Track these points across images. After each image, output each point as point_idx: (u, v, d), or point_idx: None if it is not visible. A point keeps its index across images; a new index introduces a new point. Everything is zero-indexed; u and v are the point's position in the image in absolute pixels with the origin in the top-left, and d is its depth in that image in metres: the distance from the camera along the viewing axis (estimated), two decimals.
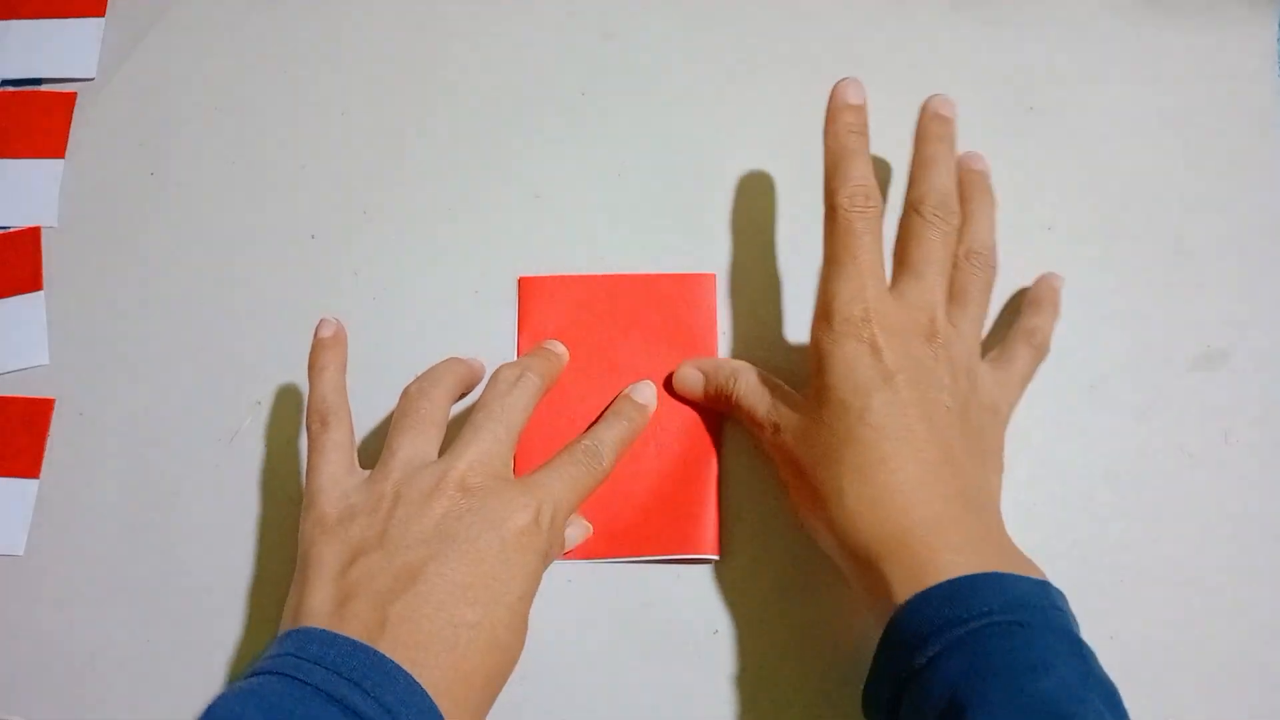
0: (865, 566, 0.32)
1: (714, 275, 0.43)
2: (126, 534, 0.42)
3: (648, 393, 0.40)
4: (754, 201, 0.44)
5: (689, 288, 0.43)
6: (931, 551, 0.31)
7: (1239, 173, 0.43)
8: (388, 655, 0.29)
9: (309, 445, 0.36)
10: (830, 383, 0.34)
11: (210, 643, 0.40)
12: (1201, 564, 0.39)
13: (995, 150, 0.44)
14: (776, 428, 0.37)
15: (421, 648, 0.30)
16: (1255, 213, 0.43)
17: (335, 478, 0.35)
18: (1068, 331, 0.41)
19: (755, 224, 0.44)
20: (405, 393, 0.37)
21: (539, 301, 0.43)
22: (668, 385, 0.41)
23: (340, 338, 0.39)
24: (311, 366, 0.38)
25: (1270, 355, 0.41)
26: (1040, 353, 0.39)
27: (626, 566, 0.40)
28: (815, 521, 0.36)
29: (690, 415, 0.41)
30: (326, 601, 0.31)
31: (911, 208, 0.37)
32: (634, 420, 0.40)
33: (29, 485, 0.42)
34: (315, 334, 0.39)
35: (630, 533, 0.39)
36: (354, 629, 0.30)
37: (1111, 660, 0.38)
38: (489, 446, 0.35)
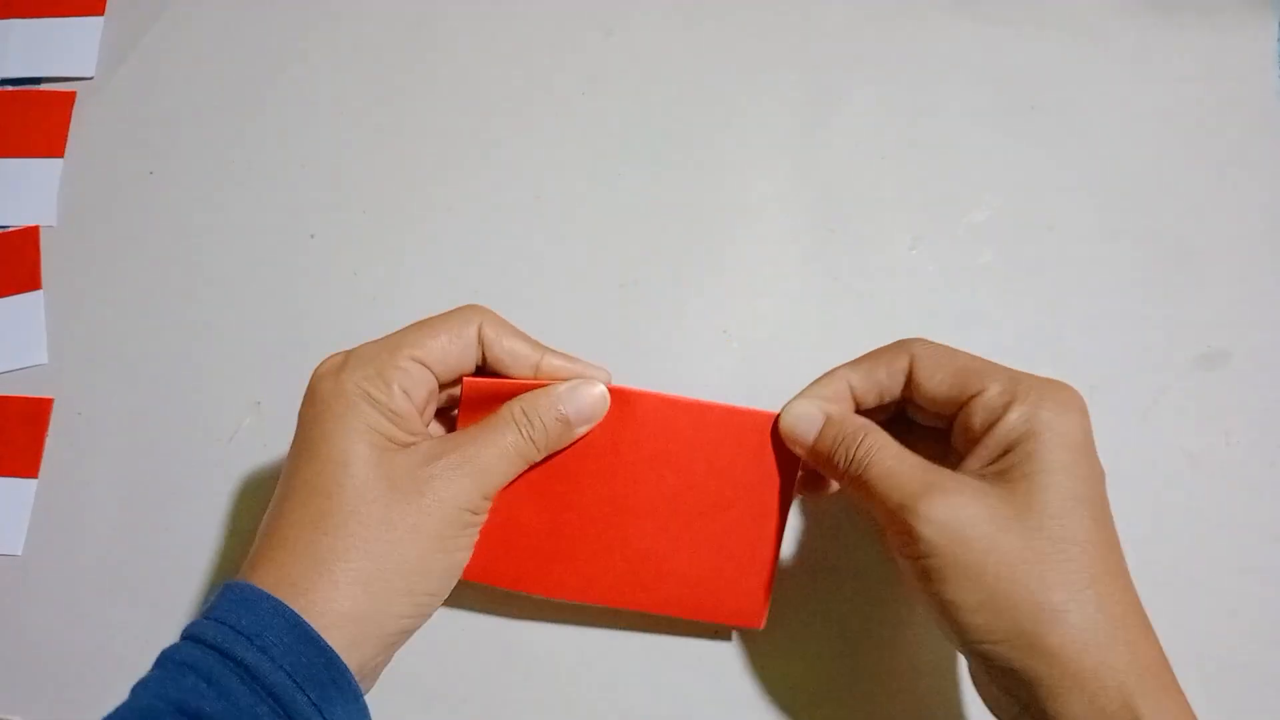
0: (1099, 697, 0.27)
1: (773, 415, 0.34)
2: (125, 534, 0.41)
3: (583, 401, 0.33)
4: (755, 201, 0.44)
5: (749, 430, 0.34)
6: (1177, 691, 0.28)
7: (1239, 173, 0.43)
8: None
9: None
10: (1053, 465, 0.28)
11: None
12: (1201, 564, 0.39)
13: (995, 150, 0.44)
14: (928, 521, 0.28)
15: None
16: (1255, 213, 0.43)
17: None
18: (1068, 331, 0.41)
19: (756, 222, 0.44)
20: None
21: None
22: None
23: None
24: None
25: (1270, 355, 0.41)
26: None
27: None
28: (994, 636, 0.28)
29: (768, 467, 0.34)
30: None
31: None
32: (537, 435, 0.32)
33: (27, 485, 0.42)
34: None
35: (671, 589, 0.35)
36: None
37: None
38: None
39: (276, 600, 0.28)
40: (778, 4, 0.47)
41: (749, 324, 0.43)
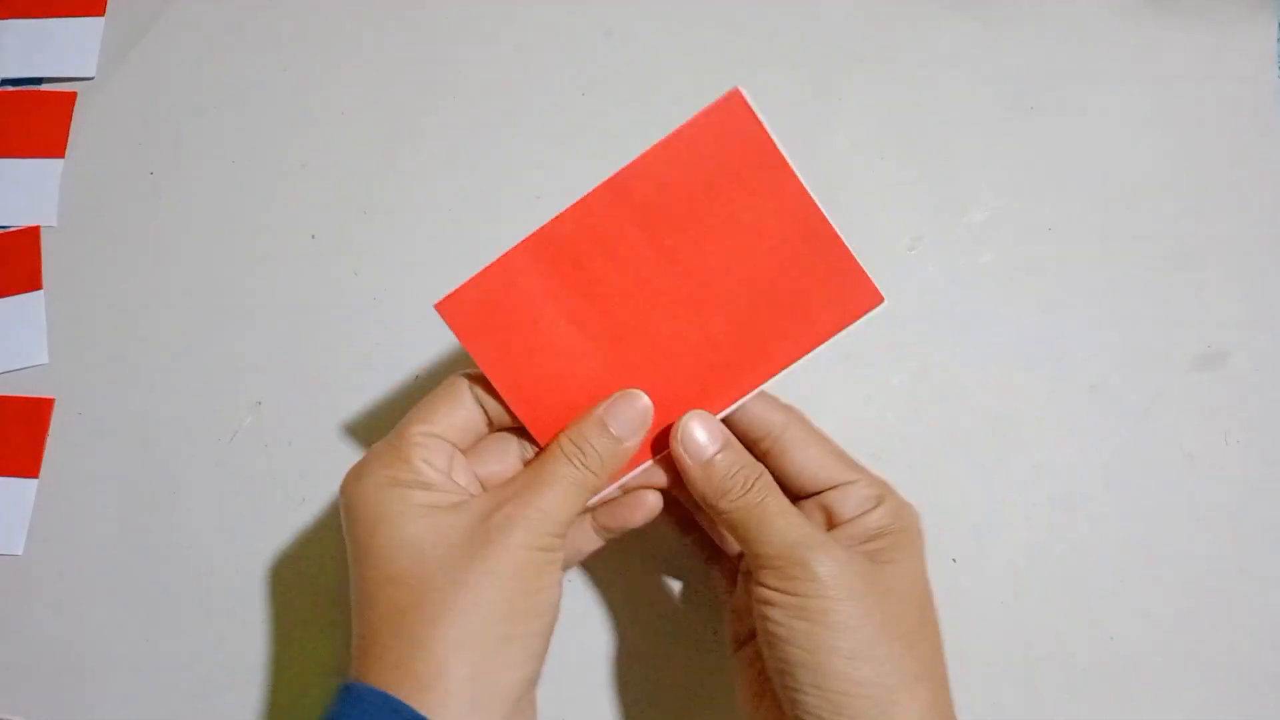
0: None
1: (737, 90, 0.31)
2: (126, 534, 0.42)
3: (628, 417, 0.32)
4: None
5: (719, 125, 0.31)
6: None
7: (1239, 173, 0.43)
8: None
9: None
10: (916, 561, 0.32)
11: (210, 642, 0.40)
12: (1201, 564, 0.39)
13: (995, 150, 0.44)
14: (825, 563, 0.30)
15: None
16: (1255, 213, 0.43)
17: None
18: (1068, 331, 0.41)
19: None
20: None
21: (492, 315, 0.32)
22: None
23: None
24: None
25: (1270, 355, 0.41)
26: None
27: (626, 566, 0.39)
28: (856, 688, 0.29)
29: (753, 168, 0.31)
30: None
31: None
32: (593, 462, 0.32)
33: (28, 485, 0.42)
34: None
35: (771, 335, 0.32)
36: None
37: (1112, 660, 0.38)
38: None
39: (389, 697, 0.28)
40: (777, 4, 0.47)
41: None
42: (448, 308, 0.32)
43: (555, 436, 0.32)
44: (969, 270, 0.43)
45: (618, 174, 0.31)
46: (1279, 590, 0.38)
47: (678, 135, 0.31)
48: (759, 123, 0.31)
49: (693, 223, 0.32)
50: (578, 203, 0.32)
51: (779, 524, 0.31)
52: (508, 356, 0.32)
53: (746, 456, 0.32)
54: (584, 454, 0.32)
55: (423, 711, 0.28)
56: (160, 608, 0.41)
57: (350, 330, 0.43)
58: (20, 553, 0.42)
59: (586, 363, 0.33)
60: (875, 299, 0.32)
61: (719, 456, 0.32)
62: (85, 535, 0.42)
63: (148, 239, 0.46)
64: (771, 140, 0.31)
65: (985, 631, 0.38)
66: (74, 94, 0.48)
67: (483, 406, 0.33)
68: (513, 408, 0.33)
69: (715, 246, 0.32)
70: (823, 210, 0.31)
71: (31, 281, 0.45)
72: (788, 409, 0.34)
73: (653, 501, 0.35)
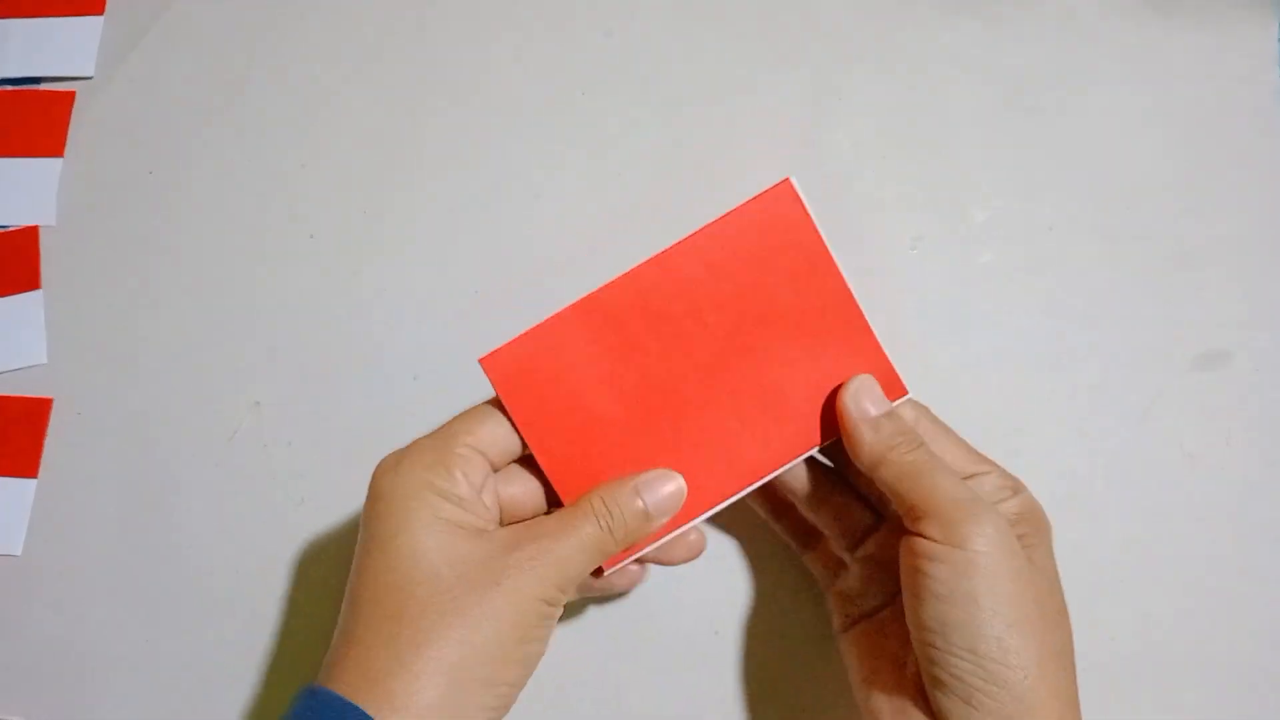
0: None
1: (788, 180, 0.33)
2: (125, 534, 0.41)
3: (666, 492, 0.33)
4: None
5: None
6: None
7: (1239, 173, 0.43)
8: None
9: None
10: (1049, 557, 0.32)
11: (209, 642, 0.40)
12: (1201, 564, 0.39)
13: (995, 150, 0.44)
14: (992, 523, 0.30)
15: None
16: (1255, 213, 0.43)
17: None
18: (1068, 331, 0.41)
19: None
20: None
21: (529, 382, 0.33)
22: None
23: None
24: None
25: (1270, 355, 0.41)
26: None
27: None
28: (1005, 658, 0.29)
29: (796, 256, 0.33)
30: None
31: None
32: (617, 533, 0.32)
33: (27, 485, 0.42)
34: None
35: (791, 422, 0.33)
36: None
37: (1111, 660, 0.38)
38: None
39: (355, 708, 0.28)
40: (777, 4, 0.47)
41: None
42: (492, 364, 0.33)
43: (583, 493, 0.33)
44: (969, 270, 0.43)
45: (668, 250, 0.33)
46: (1279, 590, 0.38)
47: (728, 219, 0.33)
48: (806, 213, 0.33)
49: (735, 302, 0.33)
50: (627, 274, 0.33)
51: (949, 480, 0.31)
52: (544, 416, 0.33)
53: (906, 425, 0.33)
54: (611, 517, 0.32)
55: None
56: (160, 608, 0.40)
57: (350, 330, 0.43)
58: (19, 553, 0.42)
59: (619, 429, 0.33)
60: (899, 392, 0.34)
61: (887, 417, 0.32)
62: (84, 535, 0.42)
63: (147, 239, 0.46)
64: (817, 231, 0.33)
65: None
66: (73, 93, 0.48)
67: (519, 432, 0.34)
68: (543, 465, 0.33)
69: (755, 328, 0.33)
70: (858, 303, 0.33)
71: (30, 281, 0.45)
72: (916, 404, 0.34)
73: (694, 539, 0.35)
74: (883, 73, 0.45)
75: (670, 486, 0.33)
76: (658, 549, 0.34)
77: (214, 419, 0.43)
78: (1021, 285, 0.42)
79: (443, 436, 0.32)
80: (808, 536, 0.38)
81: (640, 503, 0.32)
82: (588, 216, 0.44)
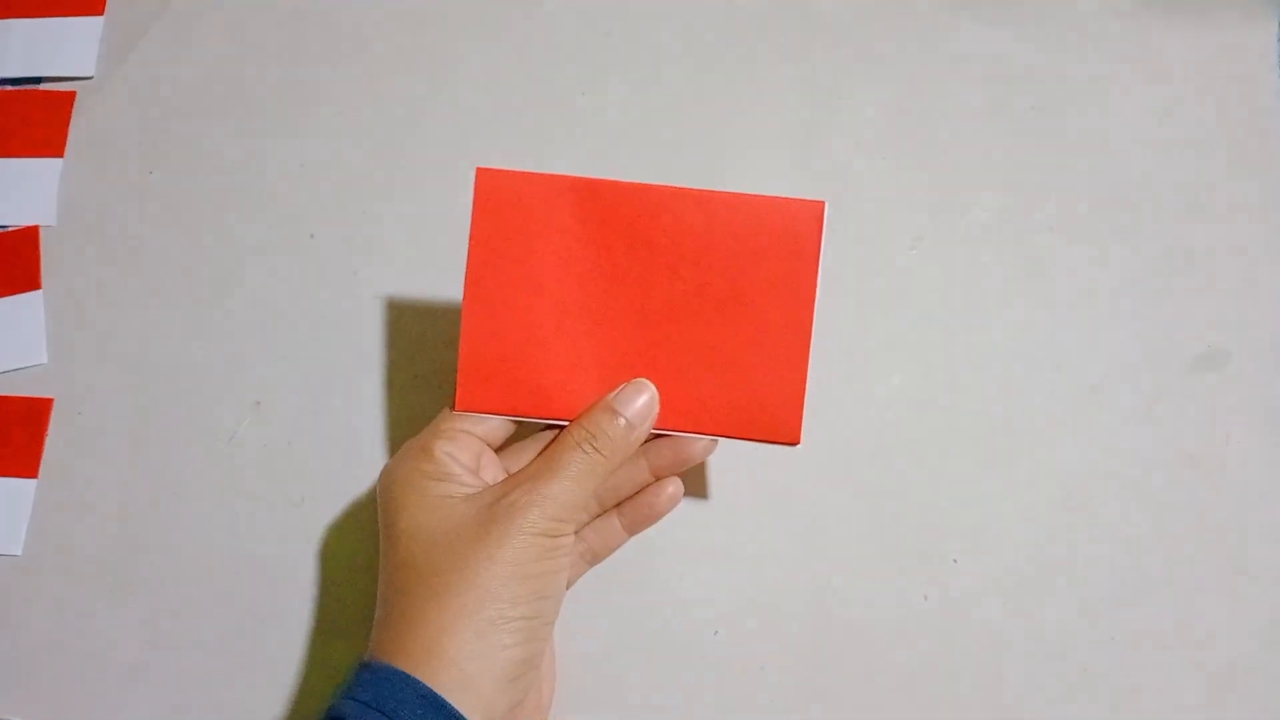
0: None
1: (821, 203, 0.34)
2: (125, 534, 0.41)
3: (639, 403, 0.34)
4: None
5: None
6: None
7: (1239, 173, 0.43)
8: None
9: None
10: None
11: (209, 642, 0.40)
12: (1201, 564, 0.39)
13: (996, 150, 0.44)
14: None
15: None
16: (1255, 213, 0.43)
17: None
18: (1068, 331, 0.41)
19: None
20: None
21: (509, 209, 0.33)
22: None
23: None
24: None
25: (1270, 355, 0.41)
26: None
27: (625, 563, 0.39)
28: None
29: (794, 260, 0.33)
30: None
31: None
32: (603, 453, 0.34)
33: (27, 485, 0.42)
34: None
35: (694, 401, 0.34)
36: None
37: (1111, 660, 0.38)
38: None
39: (407, 675, 0.30)
40: (778, 4, 0.47)
41: None
42: (485, 178, 0.33)
43: (484, 357, 0.34)
44: (969, 270, 0.43)
45: (686, 189, 0.33)
46: (1279, 590, 0.38)
47: (754, 199, 0.33)
48: (819, 240, 0.33)
49: (711, 271, 0.34)
50: (640, 184, 0.33)
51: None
52: (499, 266, 0.34)
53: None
54: (595, 439, 0.33)
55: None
56: (160, 608, 0.40)
57: (350, 330, 0.43)
58: (19, 553, 0.42)
59: (560, 314, 0.34)
60: (792, 438, 0.34)
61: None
62: (84, 535, 0.42)
63: (147, 239, 0.46)
64: (817, 260, 0.34)
65: (985, 631, 0.38)
66: (73, 93, 0.48)
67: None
68: (464, 324, 0.34)
69: (715, 303, 0.34)
70: (809, 338, 0.34)
71: (30, 281, 0.45)
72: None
73: (673, 490, 0.37)
74: (883, 72, 0.45)
75: (641, 395, 0.34)
76: (643, 508, 0.36)
77: (213, 419, 0.43)
78: (1021, 285, 0.42)
79: (428, 429, 0.35)
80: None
81: (621, 420, 0.34)
82: None
